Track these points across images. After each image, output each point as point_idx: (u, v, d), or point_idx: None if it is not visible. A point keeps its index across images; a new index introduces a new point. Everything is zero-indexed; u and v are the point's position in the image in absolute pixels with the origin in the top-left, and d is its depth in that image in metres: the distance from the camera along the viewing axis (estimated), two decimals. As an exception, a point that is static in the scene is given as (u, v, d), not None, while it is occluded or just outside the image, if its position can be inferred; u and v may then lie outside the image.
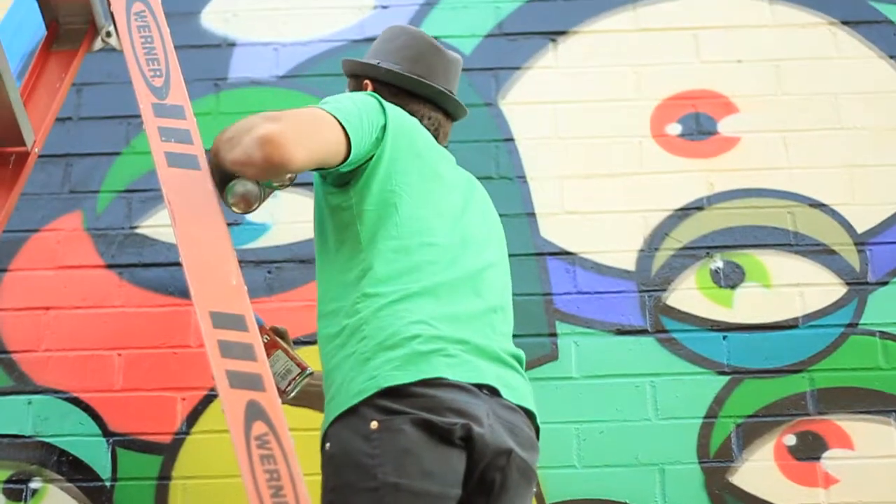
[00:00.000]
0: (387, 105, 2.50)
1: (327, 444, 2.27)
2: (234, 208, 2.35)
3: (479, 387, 2.31)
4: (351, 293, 2.37)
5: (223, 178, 2.34)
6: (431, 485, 2.18)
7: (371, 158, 2.42)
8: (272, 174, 2.30)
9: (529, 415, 2.45)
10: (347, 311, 2.36)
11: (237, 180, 2.33)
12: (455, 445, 2.22)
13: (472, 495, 2.28)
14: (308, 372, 2.68)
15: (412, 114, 2.66)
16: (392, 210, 2.41)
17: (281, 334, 2.75)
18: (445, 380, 2.26)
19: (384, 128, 2.45)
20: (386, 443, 2.19)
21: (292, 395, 2.67)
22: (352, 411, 2.25)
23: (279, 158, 2.19)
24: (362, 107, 2.44)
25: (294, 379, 2.66)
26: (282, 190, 2.47)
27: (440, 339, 2.30)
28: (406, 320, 2.30)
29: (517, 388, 2.44)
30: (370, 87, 2.71)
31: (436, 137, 2.72)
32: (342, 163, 2.36)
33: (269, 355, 2.57)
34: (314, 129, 2.30)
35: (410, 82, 2.71)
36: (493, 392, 2.35)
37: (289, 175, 2.39)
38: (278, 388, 2.57)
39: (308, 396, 2.71)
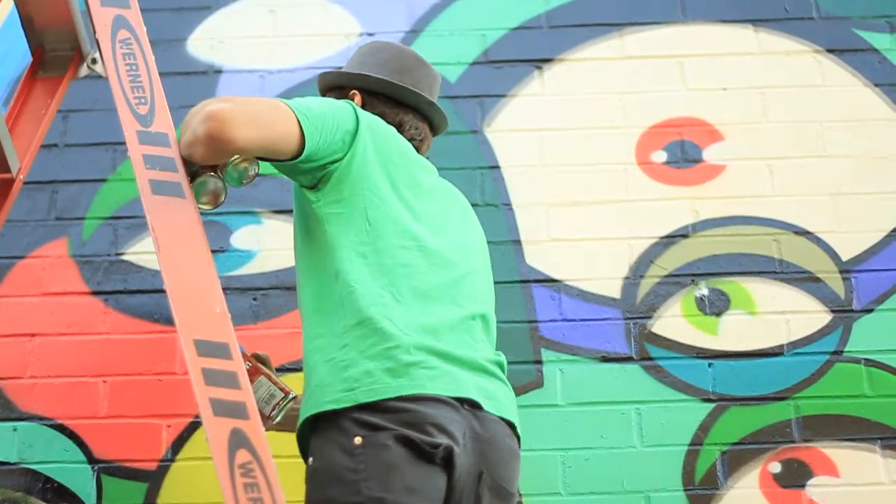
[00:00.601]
0: (361, 112, 2.50)
1: (310, 459, 2.28)
2: (203, 206, 2.36)
3: (460, 400, 2.31)
4: (330, 293, 2.38)
5: (189, 173, 2.35)
6: (415, 500, 2.18)
7: (339, 161, 2.42)
8: (216, 151, 2.29)
9: (511, 425, 2.45)
10: (329, 310, 2.37)
11: (205, 176, 2.35)
12: (436, 463, 2.22)
13: None
14: (291, 396, 2.66)
15: (400, 123, 2.69)
16: (360, 214, 2.42)
17: (263, 360, 2.74)
18: (426, 394, 2.26)
19: (354, 133, 2.44)
20: (370, 458, 2.19)
21: (277, 420, 2.66)
22: (332, 423, 2.25)
23: (223, 135, 2.22)
24: (329, 108, 2.45)
25: (278, 404, 2.65)
26: (245, 185, 2.45)
27: (420, 351, 2.30)
28: (386, 331, 2.30)
29: (499, 399, 2.44)
30: (358, 97, 2.71)
31: (420, 147, 2.74)
32: (297, 157, 2.36)
33: (251, 381, 2.56)
34: (264, 114, 2.32)
35: (402, 92, 2.72)
36: (474, 405, 2.34)
37: (252, 171, 2.40)
38: (262, 414, 2.56)
39: (293, 421, 2.68)
